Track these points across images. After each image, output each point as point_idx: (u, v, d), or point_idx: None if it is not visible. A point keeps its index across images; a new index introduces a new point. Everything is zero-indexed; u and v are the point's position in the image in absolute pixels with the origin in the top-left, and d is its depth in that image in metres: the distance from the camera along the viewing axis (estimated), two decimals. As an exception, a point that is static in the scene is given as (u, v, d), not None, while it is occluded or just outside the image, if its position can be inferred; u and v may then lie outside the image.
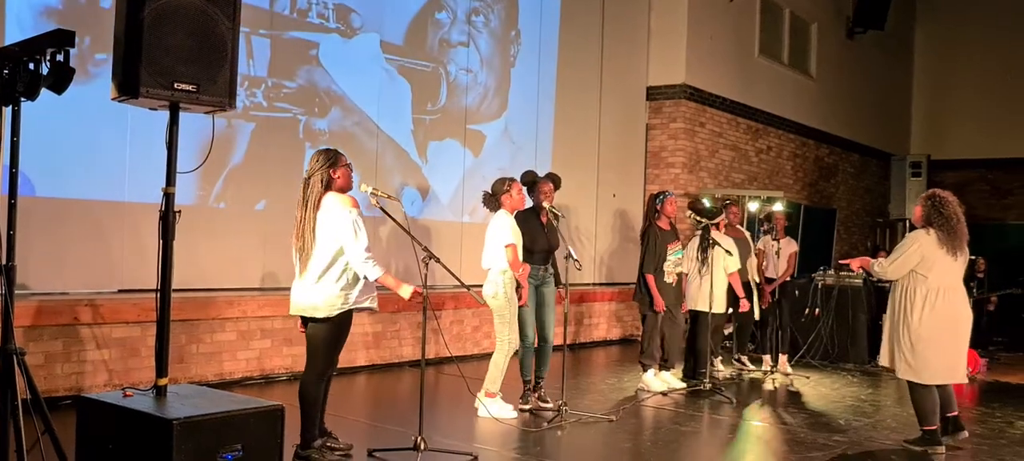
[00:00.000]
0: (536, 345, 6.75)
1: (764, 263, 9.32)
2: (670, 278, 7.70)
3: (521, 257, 6.44)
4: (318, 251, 4.81)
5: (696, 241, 8.20)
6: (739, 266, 8.33)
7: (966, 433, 5.94)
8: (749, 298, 9.00)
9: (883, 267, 5.93)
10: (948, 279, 5.78)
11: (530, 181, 6.83)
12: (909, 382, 5.87)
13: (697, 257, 8.10)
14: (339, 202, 4.81)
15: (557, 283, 6.92)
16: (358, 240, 4.76)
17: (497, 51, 10.32)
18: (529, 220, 6.75)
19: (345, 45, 8.72)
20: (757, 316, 9.26)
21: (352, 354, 8.10)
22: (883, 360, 6.09)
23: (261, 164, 7.98)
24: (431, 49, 9.58)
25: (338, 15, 8.64)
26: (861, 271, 6.23)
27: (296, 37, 8.28)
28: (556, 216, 6.65)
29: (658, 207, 7.76)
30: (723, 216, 8.50)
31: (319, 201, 4.83)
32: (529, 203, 6.77)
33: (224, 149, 7.64)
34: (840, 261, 6.31)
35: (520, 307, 6.51)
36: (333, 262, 4.81)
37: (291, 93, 8.23)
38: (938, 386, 5.84)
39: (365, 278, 4.86)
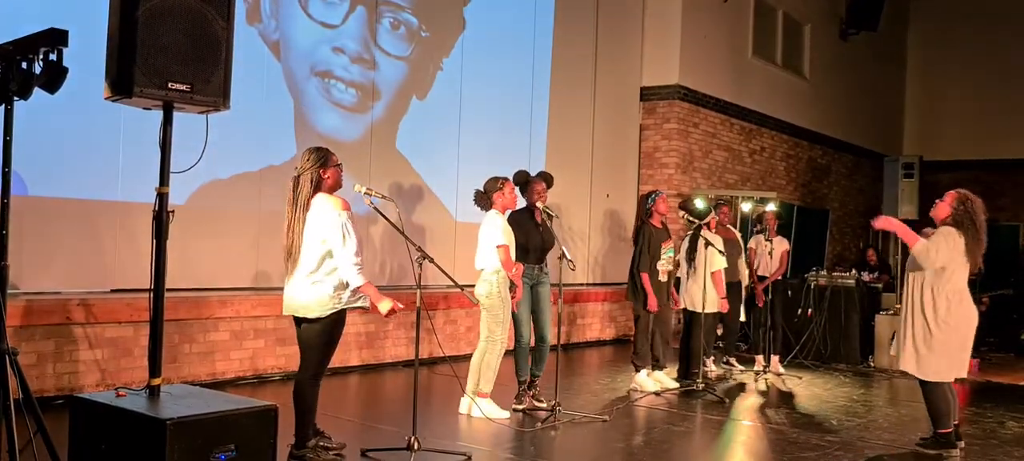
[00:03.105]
0: (533, 345, 6.75)
1: (756, 262, 9.35)
2: (663, 276, 7.70)
3: (515, 257, 6.45)
4: (307, 252, 4.79)
5: (686, 242, 8.22)
6: (725, 265, 8.31)
7: (962, 442, 5.89)
8: (738, 298, 9.04)
9: (929, 257, 5.63)
10: (964, 281, 5.73)
11: (523, 181, 6.82)
12: (928, 385, 5.77)
13: (685, 257, 8.14)
14: (330, 204, 4.79)
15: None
16: (347, 245, 4.72)
17: (489, 51, 10.30)
18: (523, 219, 6.75)
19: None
20: (743, 317, 9.29)
21: (345, 354, 8.10)
22: (904, 366, 5.89)
23: (255, 163, 7.96)
24: (422, 48, 9.55)
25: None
26: (892, 231, 5.86)
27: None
28: (549, 215, 6.65)
29: (650, 206, 7.77)
30: (713, 215, 8.53)
31: (309, 202, 4.81)
32: (523, 203, 6.78)
33: (219, 148, 7.60)
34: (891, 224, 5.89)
35: (517, 306, 6.54)
36: (322, 262, 4.78)
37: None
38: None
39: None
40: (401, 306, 4.85)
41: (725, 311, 8.52)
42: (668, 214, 7.94)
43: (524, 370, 6.82)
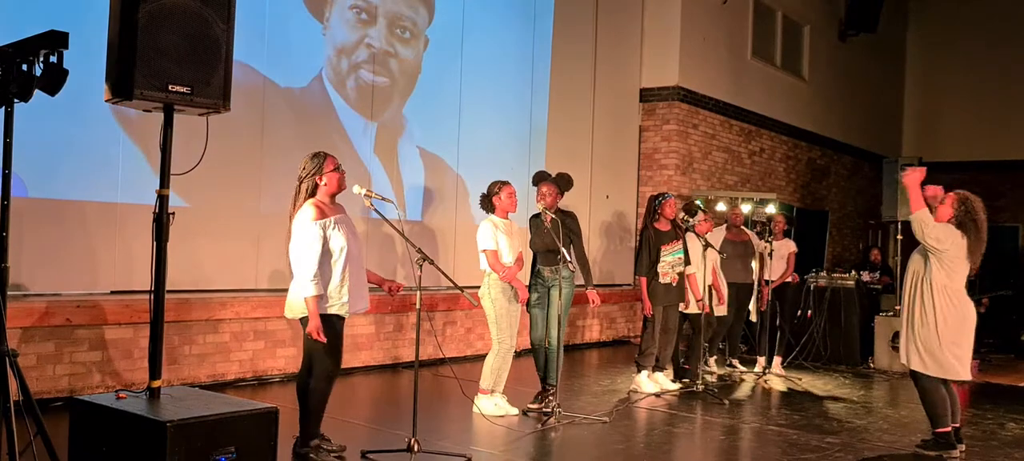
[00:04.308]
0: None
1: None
2: (667, 279, 7.67)
3: (522, 260, 6.49)
4: (291, 256, 4.89)
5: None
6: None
7: (963, 445, 5.87)
8: (747, 300, 9.06)
9: (928, 226, 5.57)
10: (962, 282, 5.72)
11: (535, 184, 6.88)
12: (922, 385, 5.79)
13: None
14: (306, 212, 4.86)
15: (588, 283, 6.99)
16: (298, 251, 4.80)
17: (489, 53, 10.30)
18: (537, 223, 6.85)
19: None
20: (754, 318, 9.30)
21: (346, 355, 8.06)
22: (903, 358, 5.89)
23: (255, 165, 7.96)
24: (427, 49, 9.55)
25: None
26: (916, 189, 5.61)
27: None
28: (551, 217, 6.64)
29: (656, 209, 7.76)
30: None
31: (298, 207, 4.89)
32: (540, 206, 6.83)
33: (219, 150, 7.61)
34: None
35: (531, 308, 6.62)
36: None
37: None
38: (947, 392, 5.79)
39: (343, 283, 4.89)
40: (322, 339, 4.82)
41: (706, 311, 8.46)
42: (676, 216, 7.89)
43: (542, 369, 6.85)
